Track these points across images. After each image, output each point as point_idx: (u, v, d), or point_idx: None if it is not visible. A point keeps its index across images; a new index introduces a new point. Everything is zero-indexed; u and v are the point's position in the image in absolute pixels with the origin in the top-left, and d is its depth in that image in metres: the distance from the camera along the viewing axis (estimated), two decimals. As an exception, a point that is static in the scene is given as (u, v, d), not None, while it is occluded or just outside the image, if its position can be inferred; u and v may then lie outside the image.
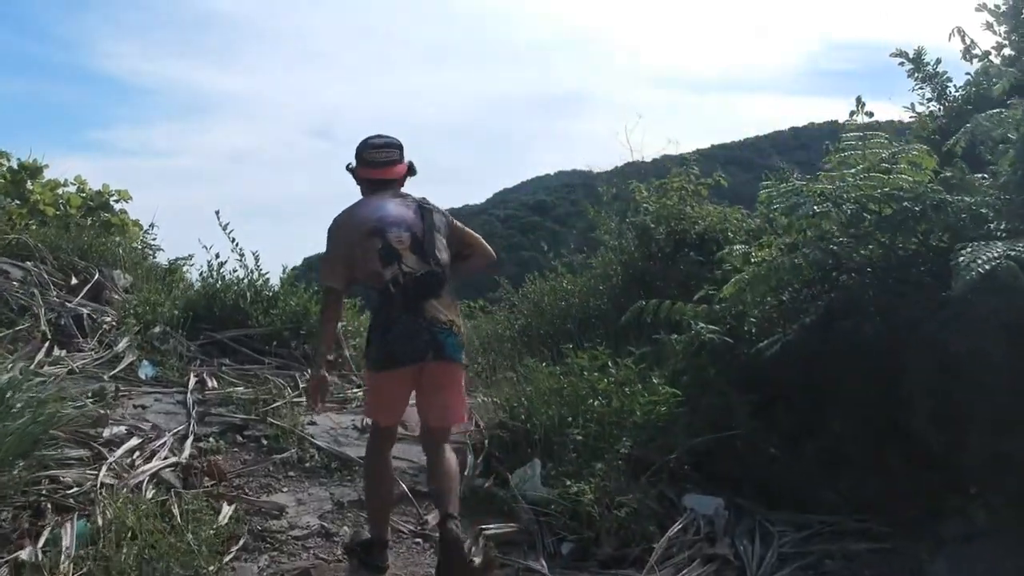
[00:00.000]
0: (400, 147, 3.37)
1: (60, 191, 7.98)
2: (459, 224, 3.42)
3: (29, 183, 8.21)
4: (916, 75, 8.11)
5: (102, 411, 4.17)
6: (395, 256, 3.10)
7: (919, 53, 7.79)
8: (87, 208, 7.94)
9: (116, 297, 6.41)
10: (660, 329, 4.84)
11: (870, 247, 4.20)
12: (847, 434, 4.14)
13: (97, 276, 6.40)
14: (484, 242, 3.50)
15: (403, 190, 3.39)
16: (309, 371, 5.40)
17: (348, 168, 3.37)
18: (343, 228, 3.22)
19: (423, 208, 3.27)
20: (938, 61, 7.85)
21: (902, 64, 7.90)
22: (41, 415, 3.50)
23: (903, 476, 4.03)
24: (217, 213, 5.80)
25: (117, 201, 8.23)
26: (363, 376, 4.88)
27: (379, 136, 3.37)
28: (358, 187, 3.41)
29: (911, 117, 8.09)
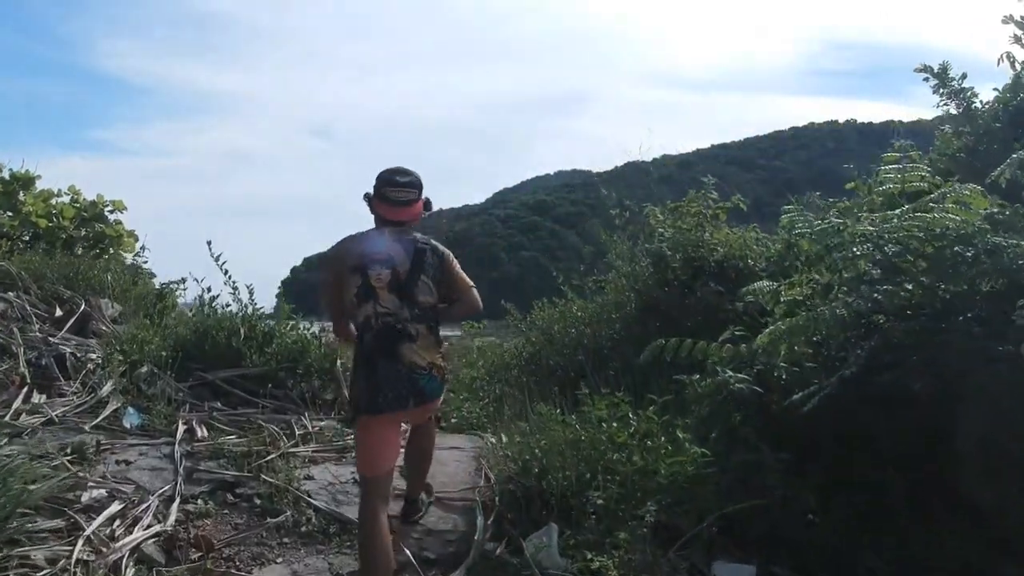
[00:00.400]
0: (420, 186, 3.35)
1: (54, 201, 7.72)
2: (455, 269, 3.38)
3: (21, 194, 8.01)
4: (941, 91, 7.79)
5: (80, 474, 3.82)
6: (371, 295, 3.14)
7: (944, 68, 7.45)
8: (81, 219, 7.66)
9: (104, 328, 6.10)
10: (680, 368, 4.55)
11: (912, 290, 3.88)
12: (889, 492, 3.84)
13: (83, 307, 6.08)
14: (473, 293, 3.45)
15: (409, 228, 3.39)
16: (306, 415, 5.09)
17: (365, 197, 3.36)
18: (335, 259, 3.31)
19: (418, 248, 3.25)
20: (964, 76, 7.53)
21: (927, 80, 7.58)
22: (11, 490, 3.16)
23: (949, 536, 3.73)
24: (209, 244, 5.46)
25: (112, 211, 7.98)
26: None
27: (400, 173, 3.33)
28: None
29: (936, 129, 7.75)
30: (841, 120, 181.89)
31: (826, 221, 4.06)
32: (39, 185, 8.33)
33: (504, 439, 5.00)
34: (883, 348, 3.82)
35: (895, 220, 3.78)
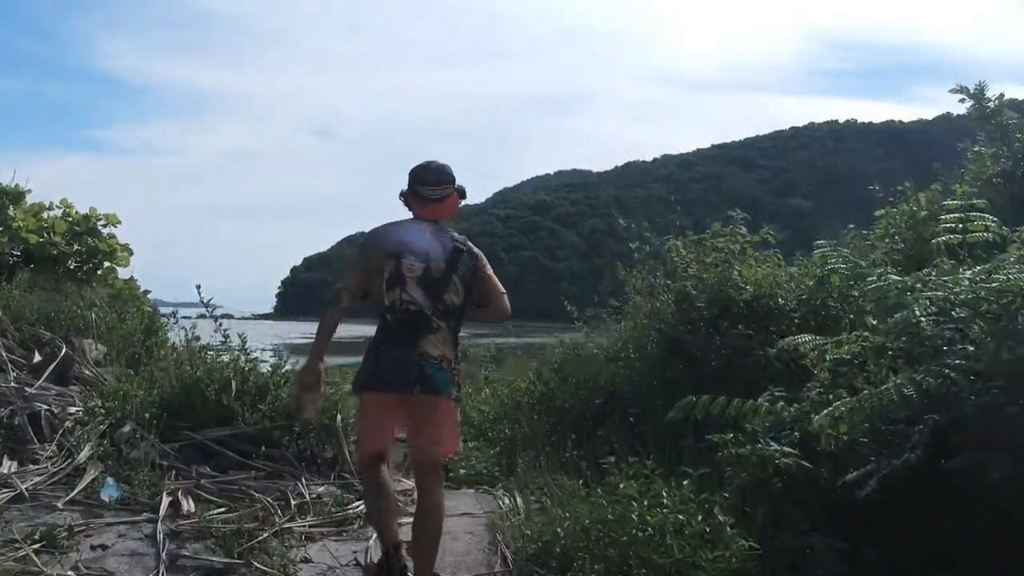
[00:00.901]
0: (452, 179, 3.33)
1: (45, 215, 7.40)
2: (489, 274, 3.38)
3: (11, 209, 7.70)
4: (974, 110, 7.40)
5: (48, 571, 3.40)
6: (400, 283, 3.16)
7: (981, 89, 7.05)
8: (73, 233, 7.34)
9: (87, 372, 5.68)
10: (712, 422, 4.15)
11: (984, 359, 3.45)
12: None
13: (64, 350, 5.64)
14: (504, 300, 3.43)
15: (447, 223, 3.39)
16: (303, 479, 4.66)
17: (401, 195, 3.37)
18: (372, 241, 3.31)
19: (456, 248, 3.25)
20: (1001, 96, 7.13)
21: (962, 101, 7.19)
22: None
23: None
24: (198, 287, 5.06)
25: (105, 226, 7.69)
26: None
27: (433, 168, 3.32)
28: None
29: (970, 154, 7.35)
30: (841, 120, 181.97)
31: (883, 279, 3.63)
32: (30, 199, 7.96)
33: (520, 502, 4.61)
34: (951, 425, 3.41)
35: (966, 283, 3.35)
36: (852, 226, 6.40)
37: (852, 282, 4.33)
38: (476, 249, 3.35)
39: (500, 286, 3.43)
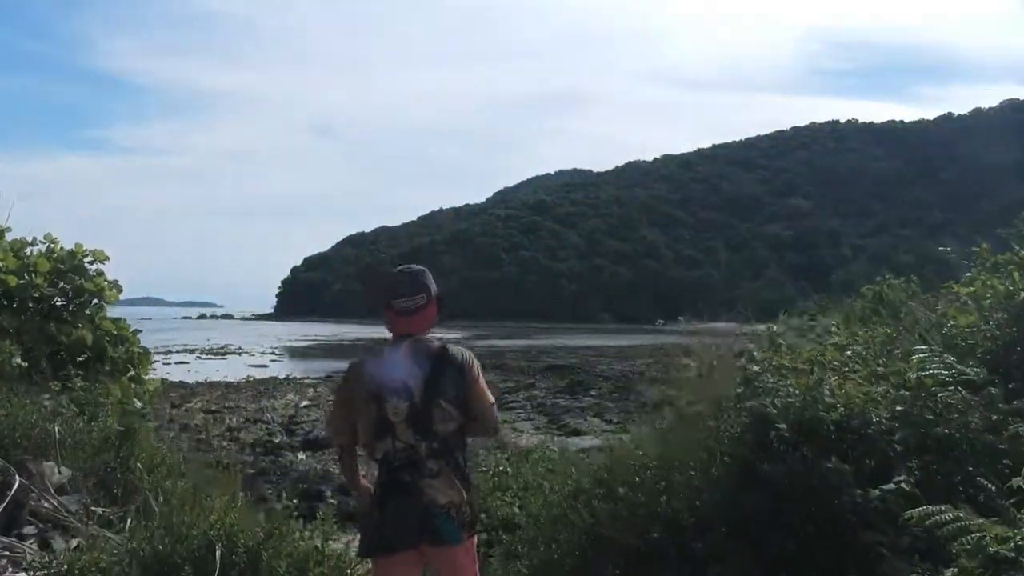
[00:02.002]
0: (427, 287, 3.05)
1: (28, 251, 6.95)
2: (477, 382, 3.03)
3: None
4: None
5: None
6: (388, 429, 2.90)
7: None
8: (57, 272, 6.89)
9: (46, 506, 4.53)
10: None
11: None
12: None
13: (17, 482, 4.52)
14: (492, 412, 3.08)
15: (424, 335, 3.08)
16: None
17: (369, 300, 2.94)
18: (349, 385, 3.04)
19: (438, 364, 2.96)
20: None
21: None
22: None
23: None
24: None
25: (92, 262, 7.20)
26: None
27: (404, 276, 3.05)
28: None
29: None
30: (842, 120, 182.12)
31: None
32: (8, 237, 7.18)
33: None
34: None
35: None
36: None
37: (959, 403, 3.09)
38: (463, 356, 3.02)
39: (489, 395, 3.08)
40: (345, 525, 9.62)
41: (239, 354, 50.06)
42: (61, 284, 6.70)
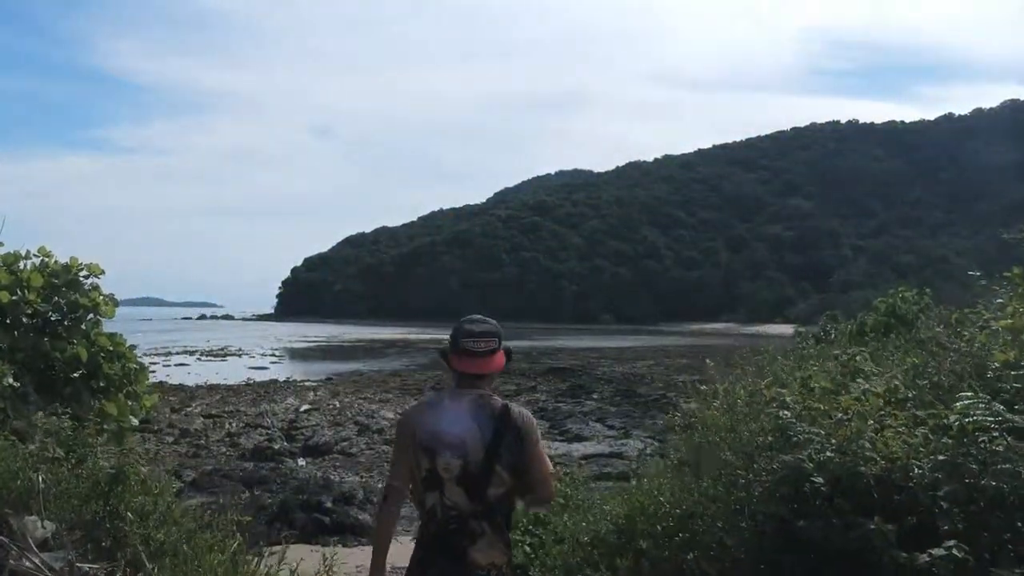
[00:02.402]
0: (499, 335, 3.02)
1: (22, 265, 6.73)
2: (536, 450, 2.92)
3: None
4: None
5: None
6: (438, 484, 2.84)
7: None
8: (51, 287, 6.67)
9: (27, 565, 4.26)
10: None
11: None
12: None
13: None
14: (549, 485, 2.99)
15: (488, 391, 3.01)
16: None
17: (440, 354, 3.08)
18: (406, 428, 2.98)
19: (500, 426, 2.85)
20: None
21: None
22: None
23: None
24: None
25: (87, 276, 6.99)
26: None
27: (477, 321, 3.02)
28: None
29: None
30: (843, 120, 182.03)
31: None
32: (5, 246, 6.73)
33: None
34: None
35: None
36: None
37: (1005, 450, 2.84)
38: (523, 419, 2.92)
39: (547, 464, 3.00)
40: (346, 538, 9.63)
41: (239, 356, 49.94)
42: (55, 299, 6.49)
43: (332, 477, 13.30)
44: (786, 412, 3.65)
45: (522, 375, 34.44)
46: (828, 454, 3.15)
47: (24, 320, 6.23)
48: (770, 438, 3.64)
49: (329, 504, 10.39)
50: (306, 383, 30.90)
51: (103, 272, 6.76)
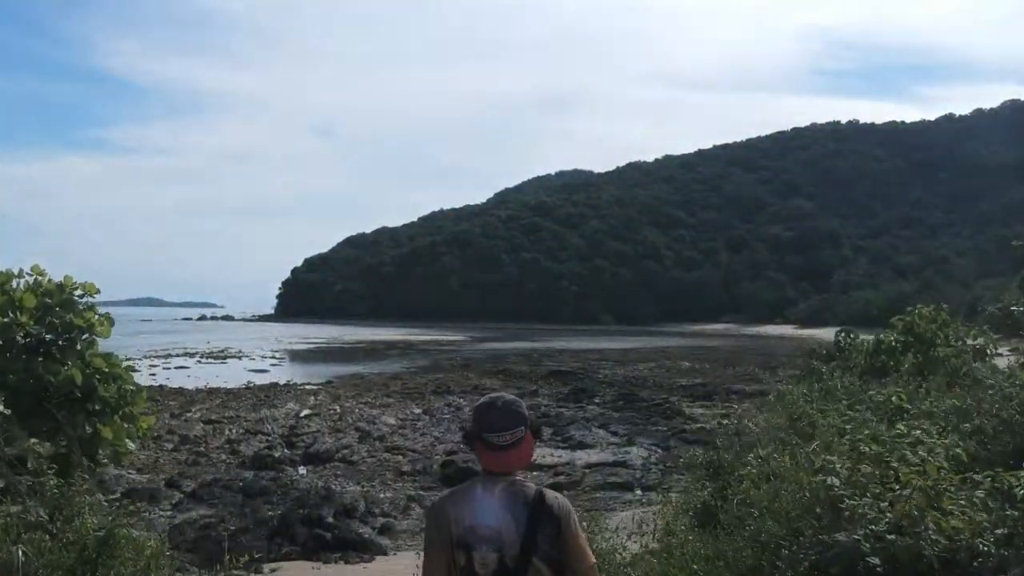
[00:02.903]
0: (525, 418, 2.76)
1: (14, 284, 6.50)
2: (579, 542, 2.73)
3: None
4: None
5: None
6: None
7: None
8: (44, 308, 6.44)
9: None
10: None
11: None
12: None
13: None
14: (592, 569, 2.73)
15: (521, 476, 2.83)
16: None
17: (464, 437, 2.87)
18: (442, 521, 2.75)
19: (534, 515, 2.66)
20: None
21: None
22: None
23: None
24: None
25: (82, 296, 6.76)
26: None
27: (500, 408, 2.76)
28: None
29: None
30: (843, 120, 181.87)
31: None
32: None
33: None
34: None
35: None
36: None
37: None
38: (560, 505, 2.73)
39: (589, 554, 2.79)
40: (348, 555, 9.47)
41: (239, 358, 49.76)
42: (49, 319, 6.29)
43: (333, 487, 13.12)
44: (835, 480, 3.33)
45: (523, 378, 34.28)
46: (884, 531, 2.87)
47: (17, 341, 6.03)
48: (818, 509, 3.31)
49: (330, 519, 10.24)
50: (306, 386, 30.73)
51: (98, 291, 6.56)
